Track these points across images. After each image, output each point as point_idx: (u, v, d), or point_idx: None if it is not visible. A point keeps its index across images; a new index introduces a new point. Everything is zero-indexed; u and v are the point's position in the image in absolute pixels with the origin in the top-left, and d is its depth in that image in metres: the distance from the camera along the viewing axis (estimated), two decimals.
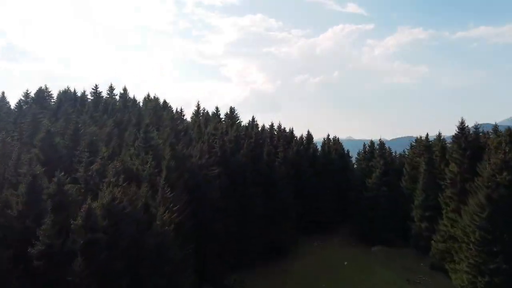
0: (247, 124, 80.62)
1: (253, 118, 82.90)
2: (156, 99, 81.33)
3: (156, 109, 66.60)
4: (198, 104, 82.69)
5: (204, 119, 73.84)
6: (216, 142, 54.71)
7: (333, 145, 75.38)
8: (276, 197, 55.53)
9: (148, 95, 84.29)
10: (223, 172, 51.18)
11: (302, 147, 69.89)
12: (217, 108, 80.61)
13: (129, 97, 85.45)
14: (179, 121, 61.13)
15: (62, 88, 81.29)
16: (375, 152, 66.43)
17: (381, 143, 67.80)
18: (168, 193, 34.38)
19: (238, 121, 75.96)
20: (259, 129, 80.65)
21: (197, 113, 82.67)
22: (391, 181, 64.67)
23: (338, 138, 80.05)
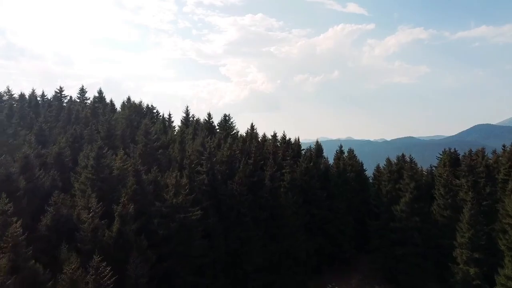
0: (245, 133, 66.18)
1: (252, 127, 68.45)
2: (136, 105, 66.60)
3: (131, 118, 51.86)
4: (187, 110, 68.25)
5: (193, 129, 59.25)
6: (203, 165, 40.33)
7: (348, 160, 60.78)
8: (282, 236, 41.28)
9: (129, 99, 69.62)
10: (212, 206, 36.97)
11: (311, 163, 55.41)
12: (209, 114, 66.03)
13: (106, 102, 70.90)
14: (155, 135, 46.43)
15: (28, 90, 66.86)
16: (404, 172, 51.92)
17: (411, 161, 53.14)
18: (108, 278, 19.97)
19: (234, 131, 61.44)
20: (259, 138, 66.28)
21: (186, 120, 68.13)
22: (424, 208, 50.33)
23: (353, 150, 65.42)
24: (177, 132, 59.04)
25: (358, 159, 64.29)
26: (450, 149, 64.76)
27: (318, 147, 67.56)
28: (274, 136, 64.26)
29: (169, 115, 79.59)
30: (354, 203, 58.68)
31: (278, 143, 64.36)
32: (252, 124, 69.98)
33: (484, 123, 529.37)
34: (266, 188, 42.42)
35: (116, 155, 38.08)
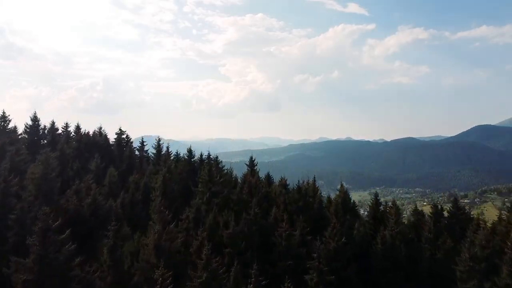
0: (240, 180, 45.27)
1: (252, 163, 47.58)
2: (84, 136, 45.28)
3: (48, 178, 30.39)
4: (159, 145, 47.21)
5: (164, 178, 37.99)
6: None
7: (394, 225, 39.37)
8: None
9: (78, 127, 48.02)
10: None
11: (343, 238, 34.46)
12: (190, 151, 44.99)
13: (54, 132, 49.70)
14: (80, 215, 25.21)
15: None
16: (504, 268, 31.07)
17: None
18: None
19: (223, 181, 40.11)
20: (262, 184, 45.36)
21: (157, 158, 47.03)
22: None
23: (394, 202, 44.28)
24: (136, 186, 37.69)
25: (404, 218, 43.39)
26: None
27: (345, 196, 46.25)
28: (283, 185, 43.23)
29: (142, 142, 58.49)
30: None
31: (288, 193, 43.52)
32: (251, 159, 49.14)
33: (484, 123, 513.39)
34: None
35: None
